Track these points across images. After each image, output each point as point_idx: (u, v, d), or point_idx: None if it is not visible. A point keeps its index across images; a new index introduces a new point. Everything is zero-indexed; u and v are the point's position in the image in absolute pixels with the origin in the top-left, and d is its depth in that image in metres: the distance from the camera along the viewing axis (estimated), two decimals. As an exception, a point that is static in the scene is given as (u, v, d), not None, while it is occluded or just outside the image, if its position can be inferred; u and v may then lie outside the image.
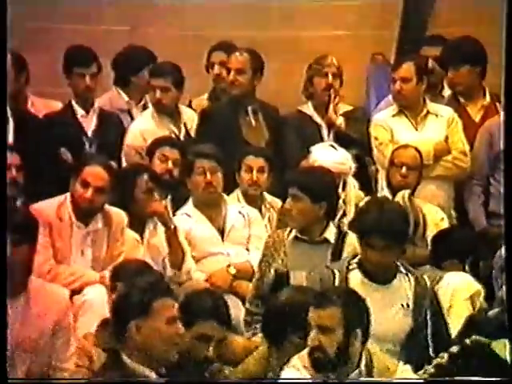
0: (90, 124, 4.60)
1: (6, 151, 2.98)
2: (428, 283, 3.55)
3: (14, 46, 4.58)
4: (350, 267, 3.50)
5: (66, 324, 3.40)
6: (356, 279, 3.47)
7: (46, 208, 3.93)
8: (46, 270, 3.82)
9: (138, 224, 4.12)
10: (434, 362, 3.29)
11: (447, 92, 4.90)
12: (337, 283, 3.47)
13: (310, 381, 3.15)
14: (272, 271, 3.71)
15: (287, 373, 3.15)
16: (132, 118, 4.80)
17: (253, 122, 4.73)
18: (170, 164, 4.33)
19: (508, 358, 3.20)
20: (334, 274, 3.52)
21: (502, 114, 3.74)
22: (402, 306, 3.46)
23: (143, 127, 4.59)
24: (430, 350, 3.45)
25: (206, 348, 3.22)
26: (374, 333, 3.20)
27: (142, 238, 4.14)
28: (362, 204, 3.94)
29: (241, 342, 3.58)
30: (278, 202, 4.41)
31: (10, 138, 4.38)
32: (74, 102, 4.60)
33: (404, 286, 3.49)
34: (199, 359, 3.22)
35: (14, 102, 4.48)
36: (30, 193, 4.14)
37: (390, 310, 3.46)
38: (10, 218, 3.39)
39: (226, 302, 3.40)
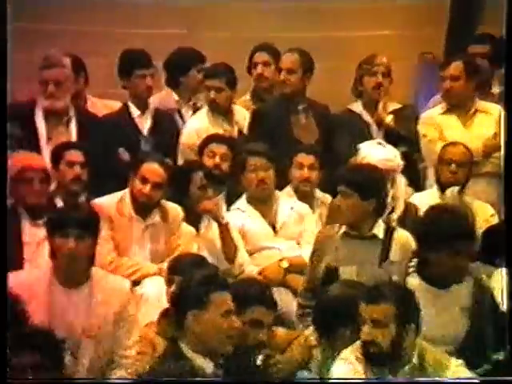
0: (145, 123, 4.82)
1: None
2: (487, 284, 3.61)
3: (72, 50, 4.86)
4: (409, 271, 3.57)
5: (127, 313, 3.61)
6: (414, 283, 3.53)
7: (107, 203, 4.17)
8: (108, 262, 4.05)
9: (193, 218, 4.33)
10: (491, 358, 3.39)
11: (497, 90, 4.99)
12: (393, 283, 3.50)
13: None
14: (323, 265, 3.81)
15: (338, 365, 3.27)
16: (182, 117, 5.02)
17: (303, 120, 4.90)
18: (217, 159, 4.53)
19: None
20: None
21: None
22: (461, 308, 3.51)
23: (198, 126, 4.82)
24: (488, 348, 3.50)
25: (259, 333, 3.36)
26: (431, 336, 3.29)
27: (197, 232, 4.35)
28: (426, 210, 3.83)
29: (284, 331, 3.69)
30: (328, 198, 4.57)
31: (74, 136, 4.63)
32: (130, 103, 4.83)
33: (463, 289, 3.54)
34: (252, 345, 3.36)
35: (75, 102, 4.74)
36: (93, 189, 4.37)
37: (448, 313, 3.50)
38: (73, 212, 3.64)
39: (271, 289, 3.53)
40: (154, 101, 4.95)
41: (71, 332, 3.50)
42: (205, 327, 3.07)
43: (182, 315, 3.10)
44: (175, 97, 5.07)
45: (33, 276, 3.64)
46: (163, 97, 5.08)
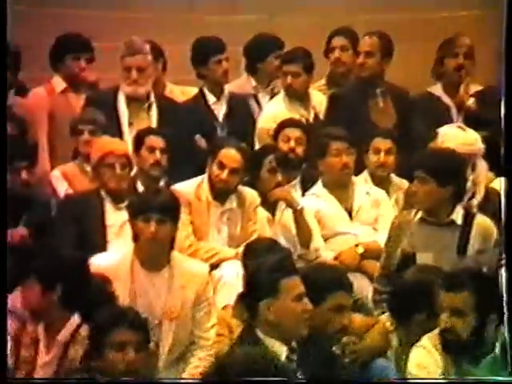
0: (220, 109, 4.95)
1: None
2: None
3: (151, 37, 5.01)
4: (501, 263, 3.51)
5: (206, 296, 3.75)
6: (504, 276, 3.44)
7: (185, 188, 4.33)
8: (187, 246, 4.22)
9: (269, 203, 4.46)
10: None
11: None
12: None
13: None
14: (399, 251, 3.83)
15: (415, 353, 3.28)
16: (258, 103, 5.14)
17: (381, 104, 4.93)
18: (292, 143, 4.62)
19: None
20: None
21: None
22: None
23: (275, 111, 4.93)
24: None
25: (341, 318, 3.39)
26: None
27: (273, 217, 4.47)
28: None
29: (361, 317, 3.74)
30: (405, 184, 4.62)
31: (154, 122, 4.80)
32: (205, 90, 4.97)
33: None
34: (335, 330, 3.38)
35: (155, 88, 4.90)
36: (172, 174, 4.52)
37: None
38: (154, 197, 3.79)
39: (347, 274, 3.60)
40: (231, 87, 5.07)
41: (153, 313, 3.65)
42: (278, 314, 3.14)
43: (256, 301, 3.19)
44: (253, 83, 5.18)
45: (116, 258, 3.79)
46: (241, 83, 5.21)
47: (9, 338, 3.35)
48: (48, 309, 3.37)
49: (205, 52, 4.93)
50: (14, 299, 3.69)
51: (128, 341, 3.13)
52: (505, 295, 3.24)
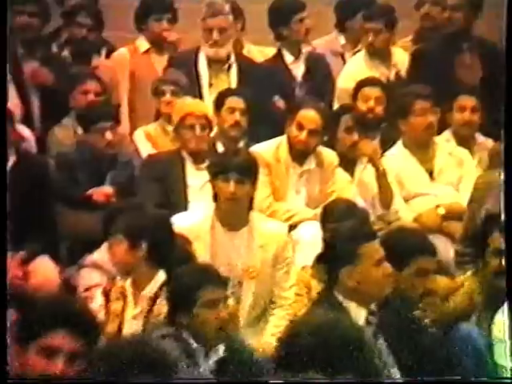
0: (299, 69, 4.98)
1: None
2: None
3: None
4: None
5: (285, 256, 3.85)
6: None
7: (264, 150, 4.40)
8: (266, 206, 4.30)
9: (348, 164, 4.48)
10: None
11: None
12: None
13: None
14: (482, 212, 3.83)
15: (501, 316, 3.28)
16: (344, 62, 5.15)
17: (467, 60, 4.85)
18: (371, 102, 4.60)
19: None
20: None
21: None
22: None
23: (354, 70, 4.95)
24: None
25: (425, 281, 3.40)
26: None
27: (352, 178, 4.50)
28: None
29: (444, 279, 3.74)
30: (490, 143, 4.55)
31: (234, 83, 4.86)
32: (283, 49, 5.00)
33: None
34: (419, 294, 3.40)
35: (235, 48, 4.96)
36: (251, 135, 4.60)
37: None
38: (233, 157, 3.86)
39: (428, 238, 3.60)
40: (317, 43, 5.09)
41: (233, 272, 3.76)
42: (358, 279, 3.19)
43: (334, 267, 3.25)
44: (342, 41, 5.17)
45: (197, 218, 3.91)
46: (329, 40, 5.22)
47: (99, 292, 3.52)
48: (134, 264, 3.48)
49: (286, 11, 4.95)
50: (102, 254, 3.87)
51: (217, 298, 3.20)
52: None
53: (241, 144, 4.55)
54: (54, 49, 5.08)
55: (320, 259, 3.63)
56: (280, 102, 4.91)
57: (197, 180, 4.35)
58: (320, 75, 5.01)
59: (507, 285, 3.22)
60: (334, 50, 5.15)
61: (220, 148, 4.54)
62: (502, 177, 3.35)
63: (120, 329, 3.40)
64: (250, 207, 3.85)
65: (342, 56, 5.18)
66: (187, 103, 4.52)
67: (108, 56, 5.16)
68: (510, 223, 3.25)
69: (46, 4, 4.99)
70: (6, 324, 2.85)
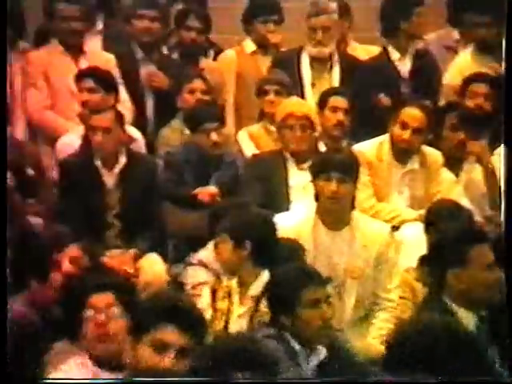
0: (405, 66, 4.94)
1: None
2: None
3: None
4: None
5: (387, 257, 3.83)
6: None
7: (366, 149, 4.41)
8: (368, 207, 4.30)
9: (454, 163, 4.42)
10: None
11: None
12: None
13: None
14: None
15: None
16: (456, 58, 5.07)
17: None
18: (479, 99, 4.54)
19: None
20: None
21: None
22: None
23: (461, 66, 4.88)
24: None
25: None
26: None
27: (457, 178, 4.44)
28: None
29: None
30: None
31: (336, 82, 4.87)
32: (389, 47, 4.97)
33: None
34: None
35: (338, 46, 4.96)
36: (354, 134, 4.60)
37: None
38: (335, 156, 3.85)
39: None
40: (429, 37, 5.02)
41: (335, 272, 3.78)
42: (467, 283, 3.12)
43: (441, 269, 3.18)
44: (456, 36, 5.10)
45: (299, 218, 3.94)
46: (442, 35, 5.16)
47: (207, 290, 3.59)
48: (239, 264, 3.54)
49: (406, 4, 4.90)
50: (208, 253, 3.96)
51: (321, 298, 3.21)
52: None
53: (343, 143, 4.57)
54: (165, 51, 5.22)
55: (424, 261, 3.62)
56: (385, 100, 4.88)
57: (299, 180, 4.39)
58: (427, 72, 4.95)
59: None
60: (446, 45, 5.08)
61: (322, 148, 4.57)
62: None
63: (226, 327, 3.46)
64: (352, 206, 3.85)
65: (456, 51, 5.10)
66: (290, 103, 4.57)
67: (215, 58, 5.26)
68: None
69: (167, 9, 5.15)
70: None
